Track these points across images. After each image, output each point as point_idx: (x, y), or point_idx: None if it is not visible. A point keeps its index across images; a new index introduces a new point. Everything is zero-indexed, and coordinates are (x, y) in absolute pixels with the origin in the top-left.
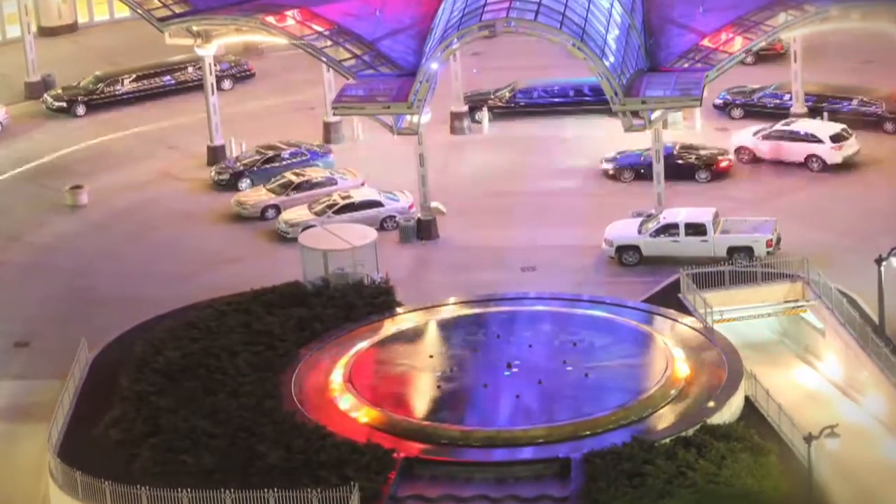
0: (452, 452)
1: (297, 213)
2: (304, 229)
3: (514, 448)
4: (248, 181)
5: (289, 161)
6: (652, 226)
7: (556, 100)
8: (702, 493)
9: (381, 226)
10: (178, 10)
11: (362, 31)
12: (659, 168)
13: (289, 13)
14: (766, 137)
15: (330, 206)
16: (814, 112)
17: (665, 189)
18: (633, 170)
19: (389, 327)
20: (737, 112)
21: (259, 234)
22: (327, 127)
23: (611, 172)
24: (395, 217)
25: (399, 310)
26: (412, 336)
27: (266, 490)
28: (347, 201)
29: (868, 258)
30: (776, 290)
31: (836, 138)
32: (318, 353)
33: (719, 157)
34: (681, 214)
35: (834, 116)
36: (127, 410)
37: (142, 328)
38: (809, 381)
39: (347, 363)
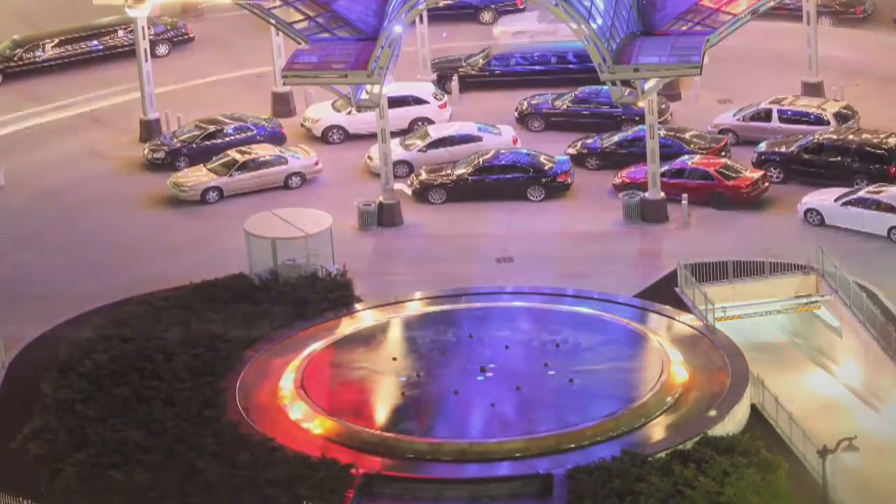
0: (419, 468)
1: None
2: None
3: (489, 463)
4: (187, 160)
5: (232, 137)
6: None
7: (537, 68)
8: None
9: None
10: None
11: None
12: (654, 145)
13: None
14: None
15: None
16: None
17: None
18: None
19: (347, 326)
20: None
21: (199, 219)
22: (276, 98)
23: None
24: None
25: (358, 306)
26: (373, 336)
27: None
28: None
29: (890, 248)
30: (786, 284)
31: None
32: (266, 356)
33: None
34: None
35: None
36: (49, 421)
37: (66, 327)
38: (824, 386)
39: (299, 367)
